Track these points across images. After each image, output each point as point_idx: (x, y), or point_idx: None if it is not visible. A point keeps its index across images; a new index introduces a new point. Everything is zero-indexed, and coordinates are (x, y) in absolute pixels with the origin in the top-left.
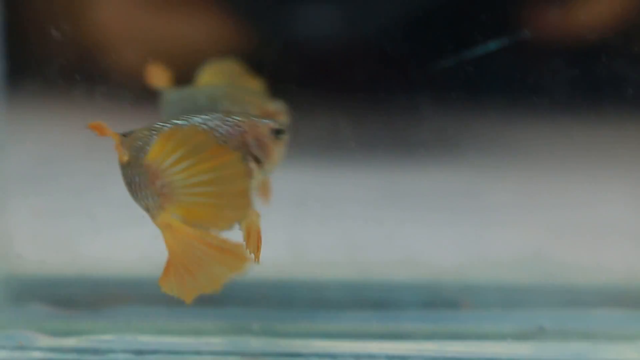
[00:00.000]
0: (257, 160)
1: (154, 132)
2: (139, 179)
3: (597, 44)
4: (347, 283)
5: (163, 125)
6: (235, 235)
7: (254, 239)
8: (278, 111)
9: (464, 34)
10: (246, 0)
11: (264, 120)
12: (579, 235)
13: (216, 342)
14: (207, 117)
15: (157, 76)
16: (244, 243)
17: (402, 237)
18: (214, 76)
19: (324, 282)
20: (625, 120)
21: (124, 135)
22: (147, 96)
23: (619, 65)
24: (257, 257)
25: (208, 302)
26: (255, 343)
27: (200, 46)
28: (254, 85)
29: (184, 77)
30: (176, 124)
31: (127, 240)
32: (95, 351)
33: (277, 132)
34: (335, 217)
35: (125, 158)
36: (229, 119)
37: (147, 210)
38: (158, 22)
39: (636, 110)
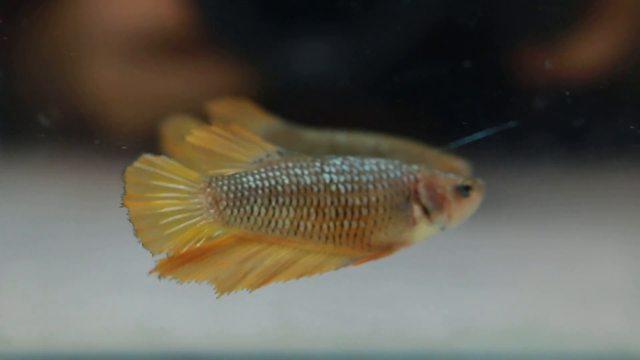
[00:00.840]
0: (426, 211)
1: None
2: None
3: (587, 91)
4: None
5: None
6: None
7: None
8: (461, 168)
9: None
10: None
11: (449, 175)
12: (568, 299)
13: None
14: (378, 159)
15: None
16: None
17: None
18: (226, 113)
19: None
20: (620, 173)
21: None
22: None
23: (610, 115)
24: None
25: None
26: None
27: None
28: (273, 123)
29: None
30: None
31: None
32: None
33: (464, 189)
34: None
35: None
36: (405, 166)
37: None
38: (155, 80)
39: (632, 163)
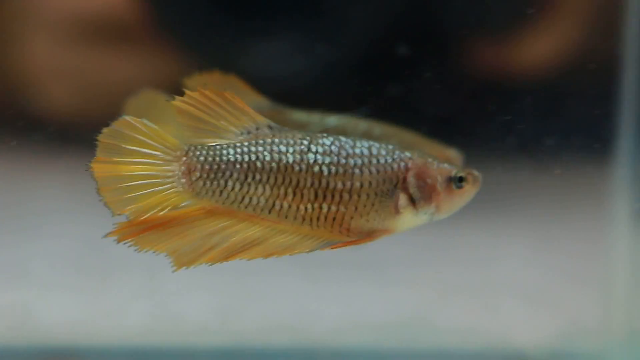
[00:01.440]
0: (412, 201)
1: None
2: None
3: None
4: (220, 350)
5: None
6: None
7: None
8: (453, 157)
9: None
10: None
11: (443, 165)
12: (468, 296)
13: None
14: (372, 143)
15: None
16: None
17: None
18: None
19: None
20: (525, 172)
21: None
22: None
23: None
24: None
25: None
26: None
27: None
28: (261, 101)
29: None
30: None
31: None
32: None
33: (458, 180)
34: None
35: None
36: (397, 152)
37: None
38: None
39: (537, 162)
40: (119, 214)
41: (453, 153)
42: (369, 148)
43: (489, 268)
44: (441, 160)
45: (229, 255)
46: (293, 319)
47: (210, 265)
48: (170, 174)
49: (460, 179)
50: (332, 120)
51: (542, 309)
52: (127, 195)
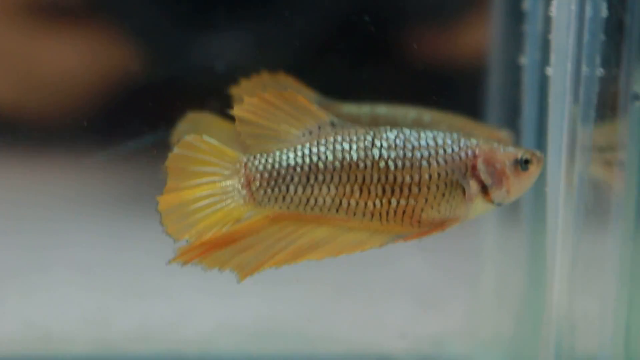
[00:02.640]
0: (484, 188)
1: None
2: None
3: None
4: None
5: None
6: None
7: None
8: (505, 138)
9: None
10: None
11: (508, 148)
12: (357, 298)
13: None
14: (436, 133)
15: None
16: None
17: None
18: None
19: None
20: None
21: None
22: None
23: None
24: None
25: None
26: None
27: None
28: (312, 96)
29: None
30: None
31: None
32: None
33: (524, 162)
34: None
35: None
36: (463, 140)
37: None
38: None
39: None
40: (180, 240)
41: (504, 134)
42: (434, 139)
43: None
44: (498, 143)
45: (296, 256)
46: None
47: (277, 267)
48: (230, 188)
49: (527, 161)
50: (382, 109)
51: (416, 310)
52: (189, 220)
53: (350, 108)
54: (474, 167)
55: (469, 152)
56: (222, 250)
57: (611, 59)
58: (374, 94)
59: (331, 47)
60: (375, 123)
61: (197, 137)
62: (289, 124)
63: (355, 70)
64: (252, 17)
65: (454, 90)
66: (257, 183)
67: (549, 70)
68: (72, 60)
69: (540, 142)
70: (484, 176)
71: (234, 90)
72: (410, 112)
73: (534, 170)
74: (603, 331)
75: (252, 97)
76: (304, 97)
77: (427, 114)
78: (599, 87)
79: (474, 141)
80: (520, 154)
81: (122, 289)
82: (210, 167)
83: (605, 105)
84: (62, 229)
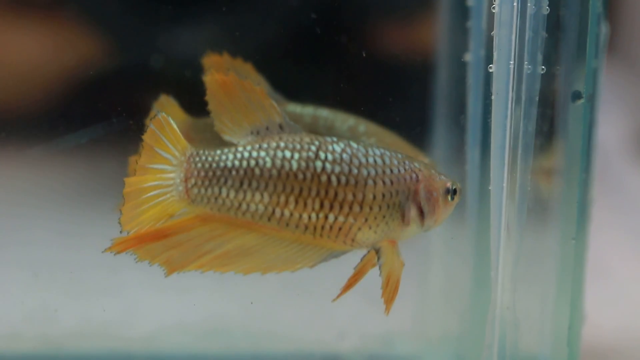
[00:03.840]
0: (421, 214)
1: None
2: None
3: None
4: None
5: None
6: None
7: (391, 289)
8: (431, 164)
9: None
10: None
11: (442, 177)
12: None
13: None
14: (383, 151)
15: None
16: (382, 290)
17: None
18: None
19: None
20: None
21: None
22: None
23: None
24: (387, 309)
25: None
26: None
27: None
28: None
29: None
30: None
31: None
32: None
33: (453, 192)
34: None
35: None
36: (407, 163)
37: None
38: None
39: None
40: (126, 230)
41: (428, 159)
42: (382, 157)
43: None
44: (433, 169)
45: (223, 264)
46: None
47: (202, 272)
48: (171, 181)
49: (455, 191)
50: (324, 112)
51: (364, 308)
52: (136, 210)
53: (294, 107)
54: (416, 192)
55: (413, 176)
56: (153, 244)
57: (552, 57)
58: (320, 91)
59: (280, 43)
60: (315, 124)
61: (167, 117)
62: (242, 115)
63: (302, 68)
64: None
65: (401, 86)
66: (193, 180)
67: (492, 68)
68: (35, 51)
69: (485, 139)
70: (423, 202)
71: (205, 61)
72: (349, 120)
73: (456, 200)
74: (545, 329)
75: (219, 74)
76: (261, 89)
77: (362, 125)
78: (540, 85)
79: (416, 165)
80: (449, 184)
81: (67, 286)
82: (166, 153)
83: (547, 103)
84: (7, 225)
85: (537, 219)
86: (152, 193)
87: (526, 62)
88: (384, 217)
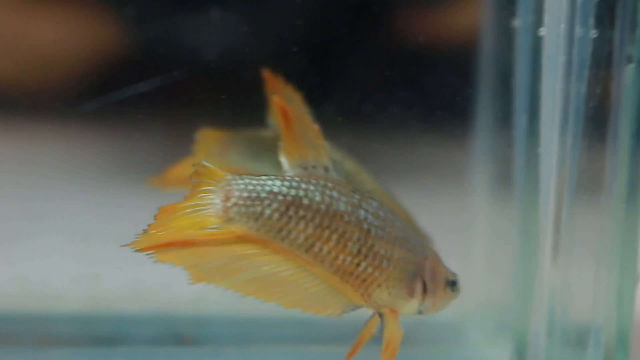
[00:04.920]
0: (424, 290)
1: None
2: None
3: None
4: (77, 317)
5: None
6: None
7: (390, 354)
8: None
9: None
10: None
11: (445, 266)
12: None
13: None
14: (403, 221)
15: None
16: (381, 353)
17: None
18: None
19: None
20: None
21: None
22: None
23: None
24: None
25: None
26: None
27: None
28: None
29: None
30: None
31: None
32: None
33: (452, 284)
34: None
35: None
36: (420, 239)
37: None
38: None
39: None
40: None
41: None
42: (404, 225)
43: None
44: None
45: (252, 290)
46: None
47: (226, 289)
48: (209, 200)
49: (454, 283)
50: (349, 165)
51: None
52: (168, 217)
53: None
54: (424, 268)
55: (424, 252)
56: (180, 249)
57: (605, 20)
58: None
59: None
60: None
61: (204, 165)
62: (295, 146)
63: (354, 27)
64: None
65: (447, 53)
66: (234, 200)
67: (543, 32)
68: (63, 34)
69: (533, 105)
70: (427, 278)
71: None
72: (335, 153)
73: (454, 296)
74: (597, 294)
75: (282, 102)
76: (317, 129)
77: (349, 162)
78: (592, 48)
79: (424, 242)
80: (451, 275)
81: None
82: (204, 187)
83: (599, 67)
84: (54, 195)
85: (588, 182)
86: (186, 211)
87: (577, 26)
88: (400, 280)
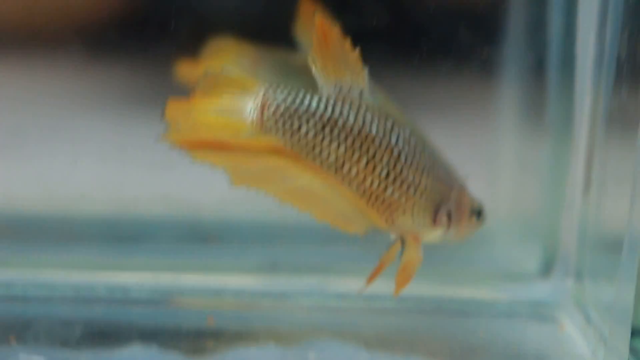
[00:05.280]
0: (449, 219)
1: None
2: None
3: None
4: (103, 218)
5: None
6: None
7: (405, 276)
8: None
9: None
10: None
11: (472, 195)
12: None
13: None
14: (434, 149)
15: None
16: (397, 273)
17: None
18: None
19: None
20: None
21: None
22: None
23: None
24: (396, 291)
25: None
26: (12, 274)
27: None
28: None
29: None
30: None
31: None
32: None
33: (478, 213)
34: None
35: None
36: (448, 168)
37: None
38: None
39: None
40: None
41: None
42: (434, 154)
43: None
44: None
45: (290, 197)
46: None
47: (266, 194)
48: (241, 108)
49: (479, 213)
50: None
51: None
52: (201, 118)
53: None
54: (449, 198)
55: (451, 182)
56: (215, 151)
57: None
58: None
59: None
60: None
61: (216, 73)
62: (333, 66)
63: None
64: None
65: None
66: (271, 111)
67: None
68: None
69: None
70: (452, 209)
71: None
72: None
73: (480, 224)
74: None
75: (326, 23)
76: (357, 54)
77: (379, 95)
78: None
79: (456, 174)
80: (478, 203)
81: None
82: (233, 90)
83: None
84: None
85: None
86: (219, 110)
87: None
88: (424, 209)
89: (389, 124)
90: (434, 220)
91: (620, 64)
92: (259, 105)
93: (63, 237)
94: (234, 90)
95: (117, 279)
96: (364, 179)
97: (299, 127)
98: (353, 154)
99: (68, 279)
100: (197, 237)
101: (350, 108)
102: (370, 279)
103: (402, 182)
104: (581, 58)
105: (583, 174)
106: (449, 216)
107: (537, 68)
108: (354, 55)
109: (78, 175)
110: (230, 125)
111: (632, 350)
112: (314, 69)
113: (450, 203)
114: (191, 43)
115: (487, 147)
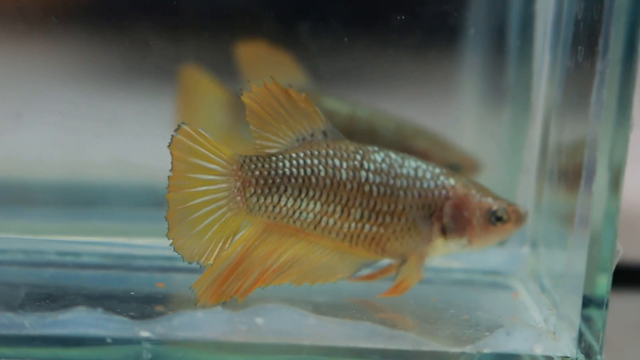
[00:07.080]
0: (444, 232)
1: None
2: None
3: None
4: (57, 183)
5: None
6: None
7: (397, 291)
8: (473, 164)
9: None
10: None
11: (486, 199)
12: None
13: None
14: (419, 163)
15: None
16: (392, 285)
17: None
18: (256, 59)
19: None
20: None
21: None
22: None
23: None
24: (381, 295)
25: None
26: None
27: None
28: (297, 79)
29: None
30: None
31: None
32: None
33: (495, 218)
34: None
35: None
36: (442, 178)
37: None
38: None
39: None
40: (192, 262)
41: (476, 160)
42: (416, 169)
43: None
44: (479, 190)
45: (279, 277)
46: None
47: (263, 288)
48: (226, 193)
49: (499, 218)
50: (363, 112)
51: None
52: (193, 231)
53: (330, 103)
54: (441, 209)
55: (442, 192)
56: (229, 281)
57: None
58: None
59: None
60: (351, 123)
61: (193, 128)
62: (287, 125)
63: None
64: None
65: None
66: (252, 189)
67: None
68: None
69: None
70: (446, 220)
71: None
72: (391, 121)
73: (508, 227)
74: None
75: (260, 87)
76: (305, 97)
77: (407, 127)
78: None
79: (452, 181)
80: (495, 206)
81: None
82: (208, 163)
83: None
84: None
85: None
86: (205, 209)
87: None
88: (409, 229)
89: (357, 160)
90: (425, 236)
91: (577, 24)
92: (240, 186)
93: (16, 201)
94: (210, 155)
95: (69, 244)
96: (341, 226)
97: (279, 199)
98: (328, 207)
99: (19, 243)
100: (152, 202)
101: (318, 160)
102: (362, 279)
103: (377, 215)
104: (540, 19)
105: (540, 138)
106: (443, 228)
107: (498, 31)
108: (303, 99)
109: (32, 140)
110: (224, 224)
111: (585, 318)
112: (258, 146)
113: (442, 214)
114: None
115: (447, 111)
